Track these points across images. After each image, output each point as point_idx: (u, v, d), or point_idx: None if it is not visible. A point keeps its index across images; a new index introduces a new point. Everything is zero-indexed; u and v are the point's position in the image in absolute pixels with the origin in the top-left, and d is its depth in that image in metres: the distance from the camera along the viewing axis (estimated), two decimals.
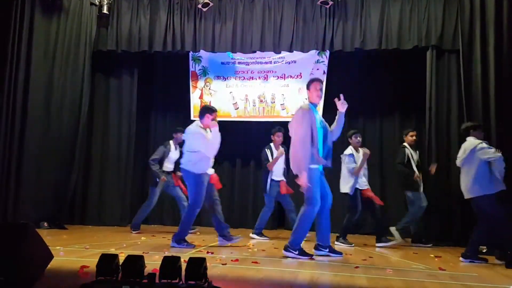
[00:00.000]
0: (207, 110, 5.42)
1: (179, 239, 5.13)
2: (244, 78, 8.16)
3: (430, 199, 6.67)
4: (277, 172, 6.57)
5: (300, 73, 7.97)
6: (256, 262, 4.16)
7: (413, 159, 6.40)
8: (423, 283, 3.55)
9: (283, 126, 8.03)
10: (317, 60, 7.90)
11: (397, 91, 7.94)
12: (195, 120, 8.09)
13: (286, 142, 5.62)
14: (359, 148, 6.40)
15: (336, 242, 6.03)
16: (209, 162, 5.27)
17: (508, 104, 6.25)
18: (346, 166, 6.22)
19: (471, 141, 5.18)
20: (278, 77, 8.06)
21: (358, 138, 6.39)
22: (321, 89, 4.96)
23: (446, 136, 6.86)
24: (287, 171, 6.39)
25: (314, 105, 4.88)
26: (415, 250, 5.78)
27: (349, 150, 6.36)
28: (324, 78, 7.83)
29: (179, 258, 2.67)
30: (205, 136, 5.22)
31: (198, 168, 5.14)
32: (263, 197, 6.75)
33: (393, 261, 4.74)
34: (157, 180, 6.75)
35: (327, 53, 7.77)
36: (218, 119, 5.48)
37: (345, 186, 6.18)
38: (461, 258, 4.99)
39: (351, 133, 6.46)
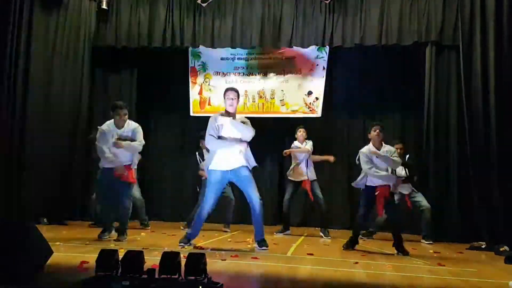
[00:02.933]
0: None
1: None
2: (243, 73, 8.14)
3: (429, 196, 6.69)
4: None
5: (300, 69, 7.95)
6: (255, 258, 4.16)
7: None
8: (423, 279, 3.56)
9: (282, 121, 8.09)
10: (317, 56, 7.88)
11: (396, 87, 7.93)
12: (194, 116, 8.15)
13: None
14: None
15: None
16: None
17: (508, 99, 6.26)
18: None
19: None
20: (277, 73, 8.04)
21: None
22: (232, 98, 4.89)
23: (445, 131, 6.86)
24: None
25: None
26: (414, 246, 5.79)
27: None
28: (324, 74, 7.82)
29: (178, 253, 2.67)
30: None
31: None
32: (263, 193, 6.74)
33: (392, 257, 4.74)
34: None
35: (327, 48, 7.74)
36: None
37: None
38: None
39: None
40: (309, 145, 6.72)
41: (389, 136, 7.83)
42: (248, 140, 4.87)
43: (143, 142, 5.42)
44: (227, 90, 5.02)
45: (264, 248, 4.77)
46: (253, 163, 4.89)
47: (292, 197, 6.79)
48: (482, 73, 6.39)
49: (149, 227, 6.73)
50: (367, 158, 5.07)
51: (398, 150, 6.43)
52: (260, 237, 4.86)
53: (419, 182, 6.47)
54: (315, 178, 6.69)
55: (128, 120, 5.35)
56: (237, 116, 4.98)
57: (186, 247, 4.68)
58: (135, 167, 5.47)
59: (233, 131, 4.82)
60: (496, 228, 6.02)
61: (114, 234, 5.34)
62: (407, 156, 6.53)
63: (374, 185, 5.05)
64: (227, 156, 4.78)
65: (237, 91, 5.00)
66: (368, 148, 5.16)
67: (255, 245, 4.89)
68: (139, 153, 5.58)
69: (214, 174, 4.85)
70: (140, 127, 5.43)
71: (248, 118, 5.15)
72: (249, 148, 4.90)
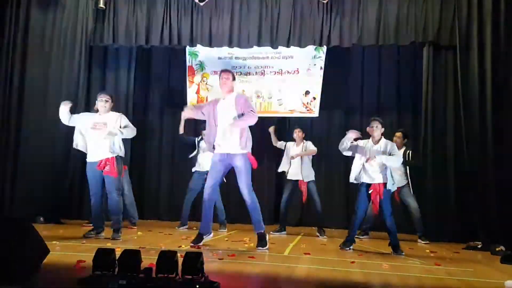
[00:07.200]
0: None
1: None
2: (241, 73, 8.13)
3: (426, 196, 6.71)
4: None
5: (297, 69, 7.95)
6: (252, 257, 4.16)
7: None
8: (419, 278, 3.57)
9: (280, 121, 8.10)
10: (314, 56, 7.88)
11: (394, 87, 7.95)
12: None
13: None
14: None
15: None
16: None
17: (505, 99, 6.28)
18: None
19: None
20: (275, 73, 8.04)
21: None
22: (224, 78, 4.95)
23: (442, 131, 6.88)
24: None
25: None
26: (410, 245, 5.80)
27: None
28: (321, 74, 7.83)
29: (175, 252, 2.67)
30: None
31: None
32: (260, 191, 6.72)
33: (389, 257, 4.75)
34: None
35: (324, 48, 7.75)
36: None
37: None
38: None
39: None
40: (310, 146, 6.75)
41: (386, 134, 7.90)
42: (249, 124, 4.89)
43: (135, 128, 5.45)
44: (221, 71, 5.12)
45: (259, 248, 4.75)
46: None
47: (290, 198, 6.81)
48: (479, 73, 6.41)
49: (136, 227, 6.70)
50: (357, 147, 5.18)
51: (395, 138, 6.48)
52: (258, 230, 4.85)
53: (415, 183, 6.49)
54: (312, 178, 6.70)
55: (111, 111, 5.41)
56: (233, 94, 4.96)
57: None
58: (122, 154, 5.39)
59: (223, 115, 4.87)
60: (492, 228, 6.04)
61: (103, 234, 5.32)
62: (410, 152, 6.50)
63: (369, 182, 5.06)
64: (221, 140, 4.84)
65: (230, 71, 5.09)
66: (365, 141, 5.21)
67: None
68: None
69: (214, 155, 4.96)
70: (123, 115, 5.46)
71: None
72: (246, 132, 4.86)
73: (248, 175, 4.84)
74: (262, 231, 4.87)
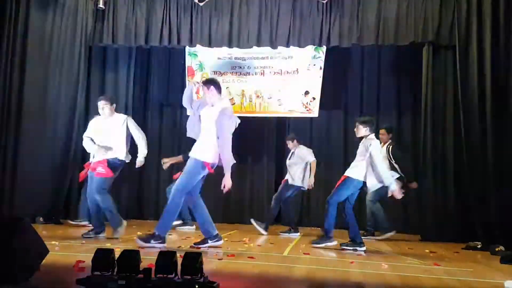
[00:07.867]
0: None
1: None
2: (240, 73, 8.14)
3: (426, 196, 6.71)
4: None
5: (297, 69, 7.96)
6: (252, 257, 4.16)
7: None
8: (419, 278, 3.56)
9: (280, 121, 8.10)
10: (314, 56, 7.88)
11: (393, 87, 7.95)
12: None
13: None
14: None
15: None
16: None
17: (504, 99, 6.28)
18: None
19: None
20: (274, 73, 8.04)
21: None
22: (204, 91, 4.88)
23: (442, 131, 6.88)
24: None
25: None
26: (410, 245, 5.80)
27: None
28: (321, 74, 7.83)
29: (175, 253, 2.67)
30: None
31: None
32: (260, 192, 6.74)
33: (388, 256, 4.75)
34: None
35: (324, 48, 7.75)
36: None
37: None
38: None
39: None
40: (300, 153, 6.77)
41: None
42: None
43: (143, 133, 5.57)
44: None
45: (138, 239, 4.59)
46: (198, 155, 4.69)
47: (280, 196, 6.77)
48: (478, 73, 6.41)
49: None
50: None
51: (380, 136, 6.52)
52: (157, 228, 4.60)
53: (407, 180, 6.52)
54: (299, 184, 6.69)
55: (115, 113, 5.47)
56: (217, 108, 4.78)
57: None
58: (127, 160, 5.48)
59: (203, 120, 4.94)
60: (491, 228, 6.04)
61: (101, 234, 5.32)
62: (390, 147, 6.54)
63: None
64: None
65: (204, 81, 4.97)
66: None
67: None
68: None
69: None
70: (130, 118, 5.51)
71: (244, 117, 5.14)
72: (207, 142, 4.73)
73: (187, 177, 4.59)
74: (156, 233, 4.57)
